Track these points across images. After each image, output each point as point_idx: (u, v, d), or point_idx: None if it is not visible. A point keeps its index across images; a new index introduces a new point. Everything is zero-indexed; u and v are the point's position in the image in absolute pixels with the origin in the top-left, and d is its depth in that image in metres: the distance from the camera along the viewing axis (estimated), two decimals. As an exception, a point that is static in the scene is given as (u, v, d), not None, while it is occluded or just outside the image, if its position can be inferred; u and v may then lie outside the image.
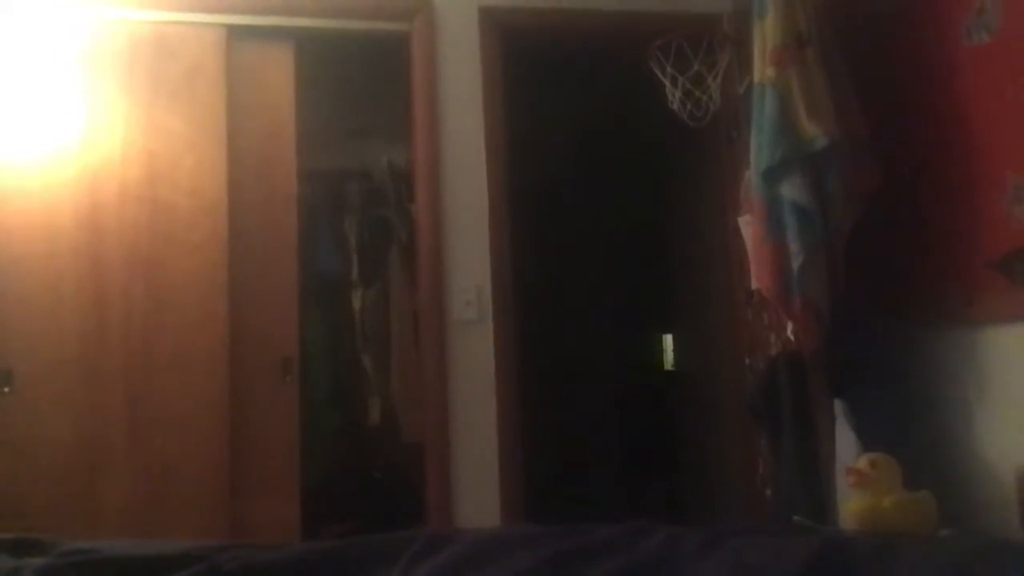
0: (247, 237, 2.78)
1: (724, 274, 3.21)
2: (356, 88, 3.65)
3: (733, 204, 2.93)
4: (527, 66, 3.14)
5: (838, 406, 2.24)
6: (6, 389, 2.54)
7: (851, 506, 0.76)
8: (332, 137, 3.76)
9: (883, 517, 0.74)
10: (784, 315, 2.36)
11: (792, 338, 2.38)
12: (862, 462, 0.77)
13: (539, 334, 3.76)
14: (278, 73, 2.91)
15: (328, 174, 3.79)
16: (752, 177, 2.33)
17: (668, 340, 4.88)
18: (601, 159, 4.66)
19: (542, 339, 3.95)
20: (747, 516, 3.05)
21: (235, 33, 2.82)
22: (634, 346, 4.92)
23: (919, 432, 2.11)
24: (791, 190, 2.18)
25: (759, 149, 2.25)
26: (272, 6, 2.84)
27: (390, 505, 3.26)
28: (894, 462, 0.79)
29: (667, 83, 2.73)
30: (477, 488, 2.75)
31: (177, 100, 2.75)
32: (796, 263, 2.16)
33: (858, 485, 0.76)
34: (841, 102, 2.21)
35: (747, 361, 3.03)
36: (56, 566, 0.77)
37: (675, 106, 2.74)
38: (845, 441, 2.19)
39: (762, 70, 2.29)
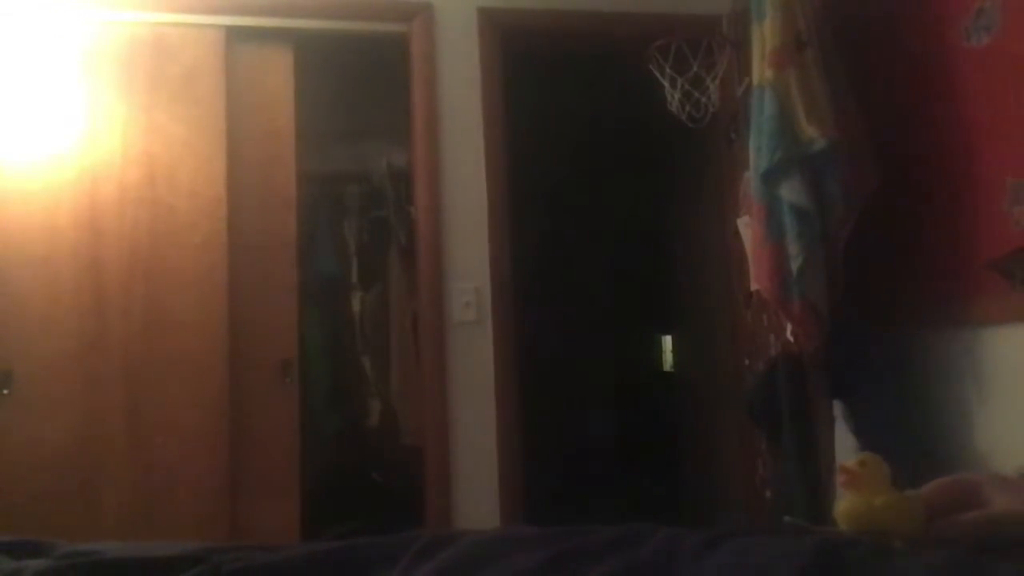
0: (246, 238, 2.78)
1: (723, 275, 3.21)
2: (355, 89, 3.65)
3: (732, 205, 2.94)
4: (526, 67, 3.14)
5: (837, 407, 2.25)
6: (6, 391, 2.54)
7: (841, 505, 0.76)
8: (331, 139, 3.76)
9: (873, 517, 0.74)
10: (783, 316, 2.36)
11: (791, 339, 2.38)
12: (852, 461, 0.77)
13: (538, 335, 3.76)
14: (277, 74, 2.91)
15: (327, 176, 3.79)
16: (751, 179, 2.33)
17: (667, 341, 4.88)
18: (600, 160, 4.67)
19: (541, 340, 3.96)
20: (747, 517, 3.05)
21: (234, 34, 2.82)
22: (633, 347, 4.92)
23: (918, 433, 2.11)
24: (790, 192, 2.18)
25: (758, 151, 2.25)
26: (271, 7, 2.84)
27: (390, 507, 3.25)
28: (883, 461, 0.79)
29: (666, 84, 2.73)
30: (476, 489, 2.75)
31: (176, 101, 2.75)
32: (795, 264, 2.16)
33: (848, 484, 0.76)
34: (840, 104, 2.21)
35: (746, 362, 3.03)
36: (56, 568, 0.77)
37: (674, 107, 2.75)
38: (844, 442, 2.20)
39: (761, 72, 2.29)
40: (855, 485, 0.77)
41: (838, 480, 0.78)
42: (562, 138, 4.48)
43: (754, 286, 2.64)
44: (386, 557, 0.76)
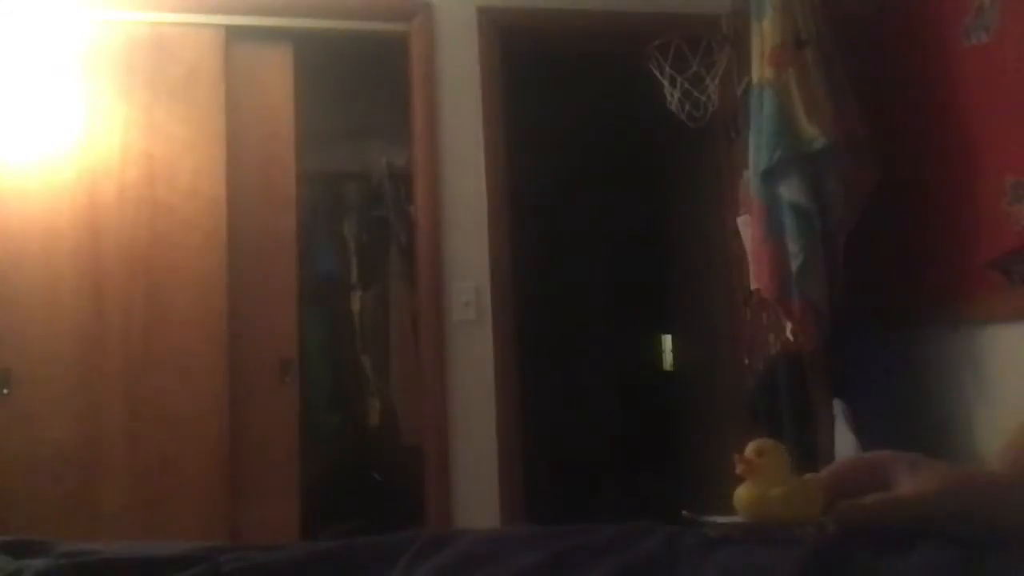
0: (246, 238, 2.78)
1: (723, 274, 3.21)
2: (355, 89, 3.65)
3: (732, 204, 2.94)
4: (526, 66, 3.14)
5: (837, 406, 2.25)
6: (5, 390, 2.54)
7: (739, 494, 0.77)
8: (331, 138, 3.76)
9: (769, 506, 0.75)
10: (783, 315, 2.36)
11: (791, 338, 2.38)
12: (750, 448, 0.78)
13: (538, 334, 3.76)
14: (277, 74, 2.91)
15: (327, 175, 3.80)
16: (751, 178, 2.34)
17: (667, 340, 4.88)
18: (600, 159, 4.66)
19: (541, 339, 3.96)
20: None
21: (234, 34, 2.82)
22: (633, 346, 4.92)
23: (918, 431, 2.11)
24: (790, 190, 2.18)
25: (758, 150, 2.25)
26: (270, 7, 2.83)
27: (389, 506, 3.25)
28: (782, 449, 0.79)
29: (666, 83, 2.73)
30: (476, 488, 2.75)
31: (176, 101, 2.75)
32: (795, 263, 2.16)
33: (746, 473, 0.76)
34: (839, 102, 2.21)
35: (746, 361, 3.03)
36: (56, 567, 0.76)
37: (673, 106, 2.75)
38: (844, 441, 2.20)
39: (760, 71, 2.30)
40: (752, 473, 0.77)
41: (736, 469, 0.78)
42: (562, 138, 4.48)
43: (754, 285, 2.64)
44: (386, 557, 0.76)
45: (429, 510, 2.76)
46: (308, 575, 0.77)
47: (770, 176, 2.22)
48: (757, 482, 0.76)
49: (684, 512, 0.80)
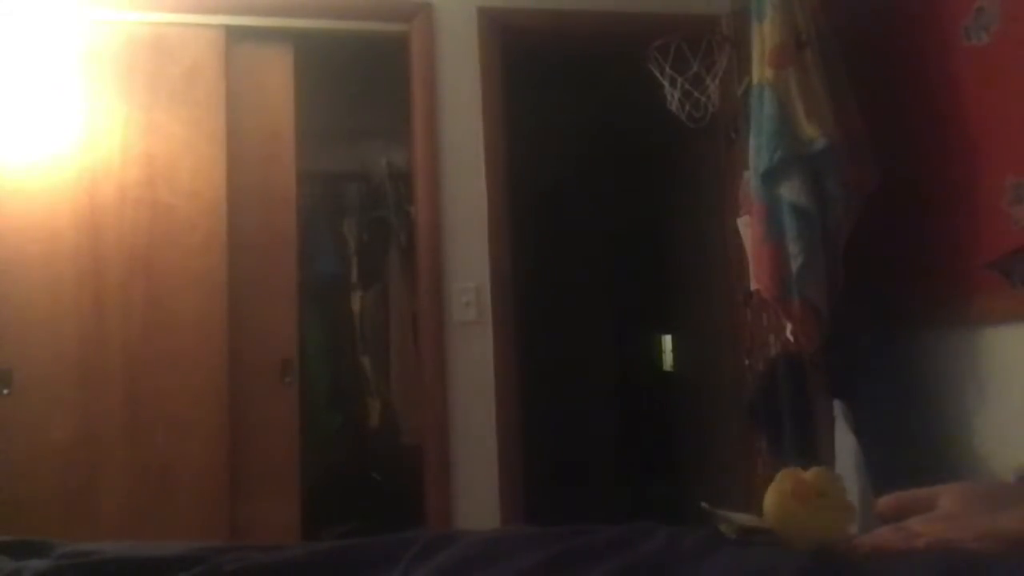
0: (246, 238, 2.78)
1: (723, 275, 3.21)
2: (355, 89, 3.65)
3: (732, 205, 2.94)
4: (526, 67, 3.14)
5: (837, 407, 2.25)
6: (6, 390, 2.54)
7: (772, 500, 0.76)
8: (331, 138, 3.76)
9: (797, 520, 0.75)
10: (783, 316, 2.36)
11: (791, 339, 2.38)
12: (810, 474, 0.77)
13: (538, 335, 3.76)
14: (277, 74, 2.91)
15: (327, 175, 3.80)
16: (751, 178, 2.34)
17: (667, 341, 4.88)
18: (600, 159, 4.67)
19: (541, 340, 3.96)
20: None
21: (234, 34, 2.82)
22: (633, 347, 4.92)
23: (918, 432, 2.11)
24: (790, 191, 2.18)
25: (758, 150, 2.25)
26: (271, 7, 2.83)
27: (390, 506, 3.25)
28: (838, 477, 0.79)
29: (666, 84, 2.73)
30: (476, 489, 2.75)
31: (176, 101, 2.75)
32: (795, 264, 2.16)
33: (797, 495, 0.76)
34: (840, 103, 2.21)
35: (746, 362, 3.03)
36: (56, 568, 0.77)
37: (674, 107, 2.75)
38: (844, 441, 2.20)
39: (761, 71, 2.29)
40: (805, 496, 0.77)
41: (788, 483, 0.77)
42: (562, 138, 4.48)
43: (754, 286, 2.64)
44: (386, 557, 0.76)
45: (429, 510, 2.76)
46: (308, 575, 0.77)
47: (770, 177, 2.22)
48: (804, 501, 0.76)
49: (703, 504, 0.80)
